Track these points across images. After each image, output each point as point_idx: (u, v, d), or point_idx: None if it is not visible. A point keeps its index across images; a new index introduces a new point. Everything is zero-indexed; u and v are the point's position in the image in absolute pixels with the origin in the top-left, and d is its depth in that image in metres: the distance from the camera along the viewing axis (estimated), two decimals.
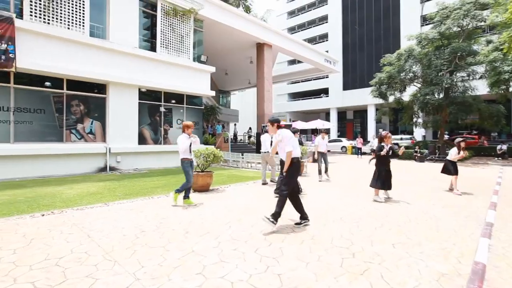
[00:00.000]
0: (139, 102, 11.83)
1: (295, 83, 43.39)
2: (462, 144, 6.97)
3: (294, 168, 4.18)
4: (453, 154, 6.99)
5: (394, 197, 6.45)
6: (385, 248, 3.38)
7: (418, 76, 20.07)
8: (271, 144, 8.94)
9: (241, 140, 28.91)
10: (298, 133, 8.33)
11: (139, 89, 11.82)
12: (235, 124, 31.35)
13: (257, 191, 7.14)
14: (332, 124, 34.73)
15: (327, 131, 8.68)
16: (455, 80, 18.09)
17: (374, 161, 6.50)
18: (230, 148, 16.63)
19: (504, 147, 17.76)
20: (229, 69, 23.98)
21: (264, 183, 8.33)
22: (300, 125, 18.25)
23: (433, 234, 3.96)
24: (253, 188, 7.68)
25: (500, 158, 17.43)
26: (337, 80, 36.85)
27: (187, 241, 3.56)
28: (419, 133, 30.44)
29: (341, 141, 28.48)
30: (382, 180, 6.19)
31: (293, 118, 41.75)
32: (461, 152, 6.91)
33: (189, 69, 13.27)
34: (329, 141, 22.12)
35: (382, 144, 6.49)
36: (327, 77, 38.08)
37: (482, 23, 17.70)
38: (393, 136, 27.00)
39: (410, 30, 29.62)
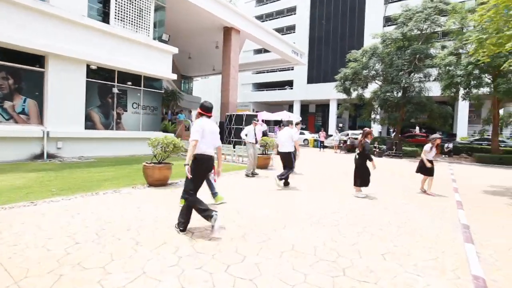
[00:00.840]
0: (87, 81, 10.23)
1: (261, 73, 42.84)
2: (438, 141, 6.90)
3: (197, 165, 3.43)
4: (427, 150, 6.90)
5: (365, 193, 6.24)
6: (376, 261, 2.94)
7: (379, 74, 20.74)
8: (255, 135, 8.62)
9: None
10: (292, 125, 7.68)
11: (88, 65, 10.22)
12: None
13: (224, 185, 6.44)
14: (299, 117, 35.03)
15: (298, 123, 8.22)
16: (413, 80, 18.99)
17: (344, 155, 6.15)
18: None
19: (450, 145, 19.21)
20: (193, 53, 22.52)
21: (249, 175, 8.18)
22: (265, 115, 17.82)
23: (417, 240, 3.67)
24: (218, 181, 6.95)
25: (447, 156, 18.82)
26: (302, 73, 37.08)
27: (136, 257, 2.76)
28: (376, 129, 31.96)
29: (303, 134, 28.75)
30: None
31: (256, 108, 41.32)
32: (434, 149, 6.89)
33: (148, 47, 11.88)
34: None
35: (367, 140, 6.41)
36: (292, 69, 38.13)
37: (439, 29, 18.72)
38: (353, 132, 28.07)
39: (373, 29, 30.60)
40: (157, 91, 13.07)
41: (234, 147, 11.99)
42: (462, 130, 27.82)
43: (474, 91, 16.03)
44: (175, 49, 12.97)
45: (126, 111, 11.82)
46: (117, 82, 11.30)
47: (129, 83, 11.78)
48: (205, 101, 3.80)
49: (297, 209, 4.85)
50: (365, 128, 6.54)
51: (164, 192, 5.64)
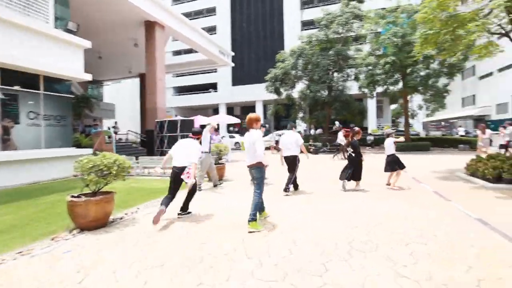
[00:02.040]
0: None
1: (182, 75, 40.28)
2: (393, 136, 7.00)
3: None
4: (391, 146, 6.79)
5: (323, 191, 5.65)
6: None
7: (307, 74, 21.52)
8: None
9: (120, 139, 23.88)
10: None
11: None
12: (115, 122, 25.67)
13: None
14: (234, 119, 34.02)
15: (263, 126, 7.31)
16: (337, 79, 20.31)
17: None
18: (115, 150, 12.79)
19: (372, 138, 21.27)
20: (104, 52, 18.98)
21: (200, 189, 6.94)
22: (201, 120, 16.13)
23: (430, 249, 3.10)
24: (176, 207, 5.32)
25: (370, 147, 20.73)
26: (226, 75, 36.33)
27: None
28: (301, 128, 33.55)
29: (234, 137, 27.91)
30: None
31: (179, 114, 38.59)
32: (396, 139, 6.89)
33: (47, 38, 8.95)
34: (223, 137, 20.93)
35: (355, 139, 6.75)
36: (216, 71, 37.02)
37: (353, 33, 20.50)
38: (282, 131, 28.60)
39: (292, 32, 32.15)
40: (65, 95, 10.10)
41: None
42: (372, 123, 31.61)
43: (391, 88, 17.98)
44: (87, 43, 10.23)
45: (18, 123, 8.65)
46: (1, 84, 8.12)
47: (20, 85, 8.65)
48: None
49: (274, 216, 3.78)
50: (355, 128, 6.92)
51: (110, 238, 3.77)
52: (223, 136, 19.99)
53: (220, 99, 36.98)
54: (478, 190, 6.38)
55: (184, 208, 4.82)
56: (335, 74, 20.42)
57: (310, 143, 20.02)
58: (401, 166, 6.72)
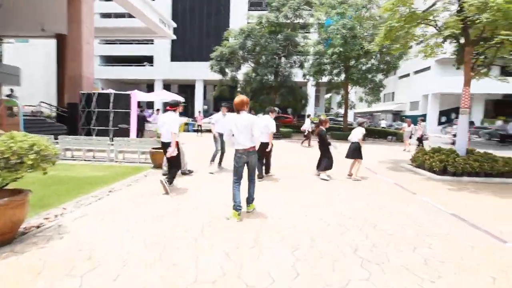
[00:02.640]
0: None
1: (111, 43, 35.17)
2: (365, 126, 6.91)
3: None
4: (359, 134, 6.66)
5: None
6: None
7: (254, 56, 20.73)
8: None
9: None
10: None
11: None
12: (11, 90, 20.73)
13: (131, 214, 3.77)
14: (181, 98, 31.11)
15: (228, 107, 6.53)
16: (284, 65, 20.07)
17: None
18: (23, 126, 10.06)
19: (313, 125, 21.96)
20: None
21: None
22: (140, 96, 13.95)
23: (438, 255, 2.89)
24: (120, 204, 4.15)
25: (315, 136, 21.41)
26: (165, 48, 33.04)
27: None
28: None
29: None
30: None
31: (107, 87, 33.88)
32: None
33: None
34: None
35: (322, 128, 6.69)
36: (152, 43, 33.40)
37: (301, 20, 20.33)
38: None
39: (239, 12, 30.68)
40: None
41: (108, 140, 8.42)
42: (311, 112, 32.93)
43: (335, 78, 18.56)
44: None
45: None
46: None
47: None
48: None
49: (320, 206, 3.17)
50: (320, 117, 7.41)
51: (18, 270, 2.49)
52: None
53: (156, 74, 33.57)
54: (428, 182, 6.74)
55: (169, 179, 5.07)
56: (283, 59, 20.15)
57: None
58: (361, 157, 6.67)
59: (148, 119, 13.84)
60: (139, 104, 14.03)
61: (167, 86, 37.18)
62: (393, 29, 7.90)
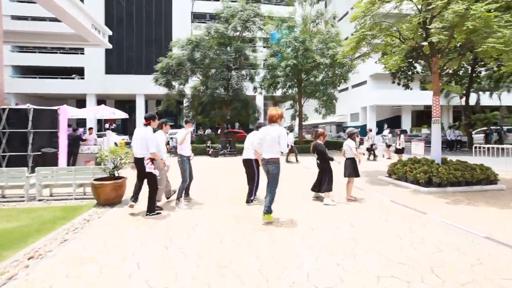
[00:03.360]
0: None
1: (28, 51, 30.05)
2: (358, 139, 6.18)
3: None
4: (352, 147, 5.91)
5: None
6: None
7: (203, 69, 19.49)
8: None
9: None
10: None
11: None
12: None
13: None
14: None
15: (190, 121, 5.29)
16: (237, 78, 19.27)
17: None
18: None
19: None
20: None
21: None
22: (70, 111, 11.33)
23: None
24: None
25: None
26: (98, 59, 29.48)
27: None
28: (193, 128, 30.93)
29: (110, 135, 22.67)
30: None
31: (22, 102, 28.59)
32: (355, 147, 6.01)
33: None
34: (99, 136, 15.94)
35: (320, 142, 5.83)
36: (83, 53, 29.57)
37: (248, 34, 19.97)
38: (173, 130, 25.52)
39: (182, 22, 29.26)
40: None
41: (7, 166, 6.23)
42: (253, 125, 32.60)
43: (290, 91, 18.38)
44: None
45: None
46: None
47: None
48: None
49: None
50: (317, 129, 6.07)
51: None
52: (103, 134, 15.27)
53: (88, 88, 29.55)
54: (419, 196, 6.34)
55: (150, 208, 4.69)
56: (234, 72, 19.35)
57: (208, 145, 18.17)
58: (357, 174, 5.96)
59: (84, 137, 11.39)
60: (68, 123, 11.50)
61: (101, 102, 33.07)
62: (365, 38, 7.62)
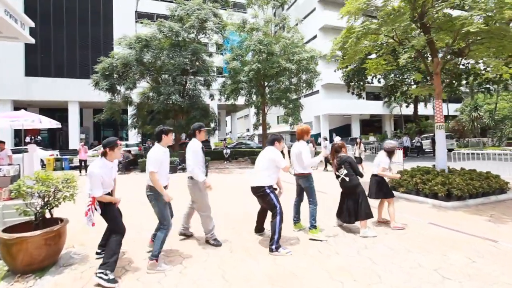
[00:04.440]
0: None
1: None
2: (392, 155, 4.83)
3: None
4: (384, 162, 4.68)
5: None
6: None
7: (153, 72, 17.05)
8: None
9: None
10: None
11: None
12: None
13: None
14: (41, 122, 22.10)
15: (166, 132, 3.50)
16: (194, 83, 17.29)
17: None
18: None
19: (228, 151, 19.69)
20: None
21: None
22: None
23: None
24: None
25: (228, 161, 19.01)
26: (14, 58, 24.31)
27: None
28: (133, 137, 27.23)
29: (34, 150, 18.38)
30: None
31: None
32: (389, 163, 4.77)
33: None
34: (14, 152, 12.10)
35: (343, 155, 4.53)
36: None
37: (203, 36, 18.28)
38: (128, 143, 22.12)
39: (124, 20, 26.07)
40: None
41: None
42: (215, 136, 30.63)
43: (254, 97, 17.05)
44: None
45: None
46: None
47: None
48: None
49: None
50: (335, 142, 4.98)
51: None
52: (24, 150, 11.56)
53: (1, 93, 24.12)
54: (447, 213, 5.44)
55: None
56: (191, 77, 17.36)
57: None
58: (391, 194, 4.75)
59: None
60: None
61: (21, 110, 27.41)
62: (368, 33, 6.68)
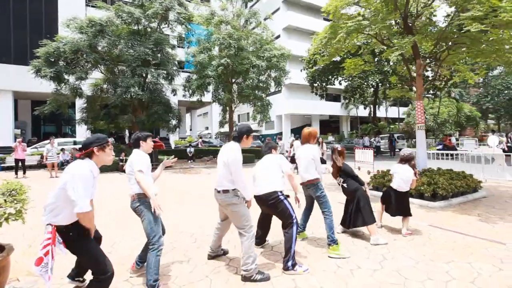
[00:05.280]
0: None
1: None
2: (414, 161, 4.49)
3: None
4: (408, 177, 4.27)
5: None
6: None
7: (109, 61, 15.27)
8: None
9: None
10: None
11: None
12: None
13: None
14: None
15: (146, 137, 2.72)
16: (156, 76, 15.84)
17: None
18: None
19: (192, 149, 18.59)
20: None
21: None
22: None
23: None
24: None
25: (192, 161, 17.93)
26: None
27: None
28: (82, 134, 24.37)
29: None
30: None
31: None
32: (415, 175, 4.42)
33: None
34: None
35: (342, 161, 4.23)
36: None
37: (167, 27, 16.94)
38: (63, 140, 19.63)
39: (71, 1, 23.15)
40: None
41: None
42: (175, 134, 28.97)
43: (222, 94, 16.22)
44: None
45: None
46: None
47: None
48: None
49: None
50: (335, 146, 4.32)
51: None
52: None
53: None
54: (437, 213, 5.44)
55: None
56: (152, 69, 15.90)
57: (121, 158, 14.18)
58: (410, 212, 4.36)
59: None
60: None
61: None
62: (359, 29, 6.46)
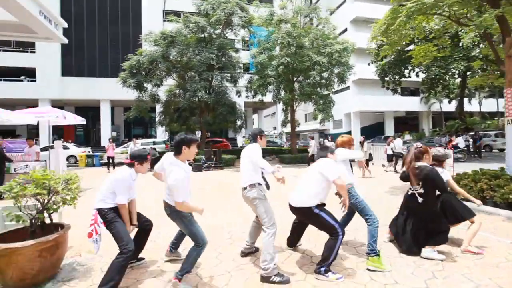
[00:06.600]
0: None
1: None
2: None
3: None
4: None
5: None
6: None
7: (179, 68, 16.80)
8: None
9: None
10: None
11: None
12: None
13: None
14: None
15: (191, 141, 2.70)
16: (220, 79, 16.78)
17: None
18: None
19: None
20: None
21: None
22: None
23: None
24: None
25: None
26: (53, 59, 25.52)
27: None
28: (160, 135, 27.49)
29: (67, 148, 19.06)
30: None
31: None
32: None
33: None
34: (42, 149, 12.28)
35: (425, 164, 3.44)
36: (33, 51, 25.55)
37: (231, 32, 17.70)
38: (145, 140, 22.37)
39: (152, 20, 26.39)
40: None
41: None
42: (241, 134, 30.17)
43: (283, 93, 16.24)
44: None
45: None
46: None
47: None
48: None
49: None
50: (417, 145, 3.54)
51: None
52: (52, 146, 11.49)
53: (40, 92, 25.40)
54: None
55: None
56: (216, 73, 16.88)
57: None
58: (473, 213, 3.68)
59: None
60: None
61: (58, 108, 28.80)
62: (421, 9, 5.61)
